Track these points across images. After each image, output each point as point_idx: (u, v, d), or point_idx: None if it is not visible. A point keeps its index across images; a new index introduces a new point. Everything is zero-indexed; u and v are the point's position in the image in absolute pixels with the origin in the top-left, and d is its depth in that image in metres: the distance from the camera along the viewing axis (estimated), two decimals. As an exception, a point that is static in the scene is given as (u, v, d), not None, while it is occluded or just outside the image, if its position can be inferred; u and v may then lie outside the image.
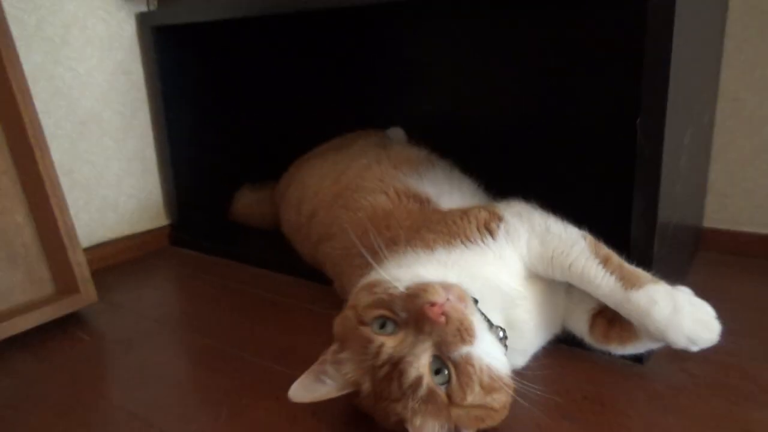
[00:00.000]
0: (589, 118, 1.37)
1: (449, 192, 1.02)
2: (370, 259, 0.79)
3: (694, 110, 0.99)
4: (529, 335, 0.83)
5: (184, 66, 1.48)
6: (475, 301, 0.73)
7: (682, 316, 0.73)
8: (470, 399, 0.64)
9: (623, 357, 0.86)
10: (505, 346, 0.75)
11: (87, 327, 1.09)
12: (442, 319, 0.64)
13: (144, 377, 0.92)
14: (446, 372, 0.64)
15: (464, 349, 0.65)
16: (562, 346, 0.90)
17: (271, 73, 1.70)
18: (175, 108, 1.47)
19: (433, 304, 0.64)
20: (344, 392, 0.69)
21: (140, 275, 1.36)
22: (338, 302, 0.81)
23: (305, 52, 1.76)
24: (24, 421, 0.82)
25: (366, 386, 0.67)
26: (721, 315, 0.75)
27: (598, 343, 0.85)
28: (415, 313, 0.65)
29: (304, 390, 0.69)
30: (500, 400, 0.67)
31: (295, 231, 1.23)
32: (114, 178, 1.43)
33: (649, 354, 0.86)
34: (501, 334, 0.75)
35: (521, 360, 0.84)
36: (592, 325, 0.86)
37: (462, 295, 0.68)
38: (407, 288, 0.69)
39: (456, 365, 0.64)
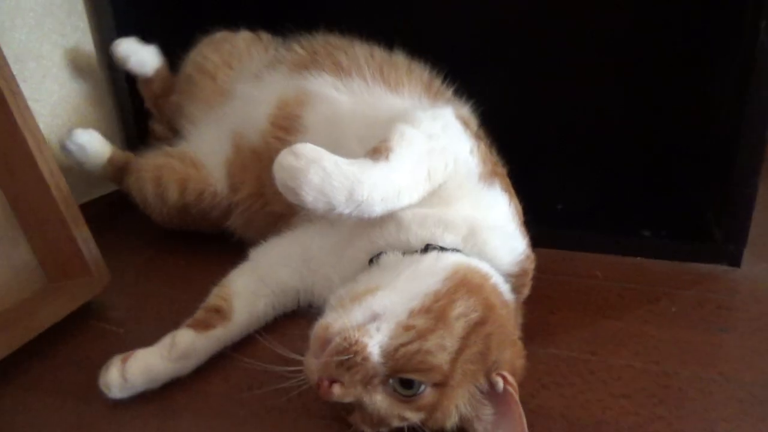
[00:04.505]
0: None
1: None
2: None
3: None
4: None
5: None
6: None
7: None
8: (439, 359, 0.56)
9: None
10: None
11: (109, 316, 0.85)
12: (336, 389, 0.55)
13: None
14: (410, 381, 0.56)
15: (374, 359, 0.55)
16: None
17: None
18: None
19: (318, 386, 0.56)
20: None
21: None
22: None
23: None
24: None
25: None
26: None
27: None
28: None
29: None
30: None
31: None
32: None
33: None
34: None
35: None
36: None
37: (345, 335, 0.56)
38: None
39: (396, 364, 0.55)
